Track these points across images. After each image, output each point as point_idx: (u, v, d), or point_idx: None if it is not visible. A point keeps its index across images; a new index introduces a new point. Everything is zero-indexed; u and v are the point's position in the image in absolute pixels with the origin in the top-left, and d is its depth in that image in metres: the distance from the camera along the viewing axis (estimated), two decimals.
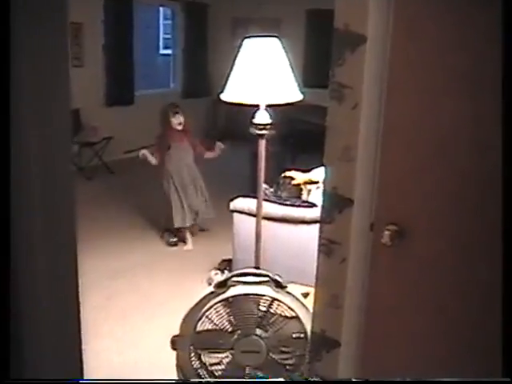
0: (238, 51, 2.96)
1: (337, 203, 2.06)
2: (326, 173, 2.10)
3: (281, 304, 2.48)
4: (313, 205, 3.80)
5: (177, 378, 2.67)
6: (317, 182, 4.07)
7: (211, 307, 2.49)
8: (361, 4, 1.88)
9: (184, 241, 5.37)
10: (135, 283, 4.54)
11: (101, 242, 5.24)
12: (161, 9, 14.80)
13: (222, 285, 2.53)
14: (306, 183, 4.22)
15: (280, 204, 3.90)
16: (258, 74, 2.85)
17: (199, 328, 2.51)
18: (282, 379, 2.53)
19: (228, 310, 2.50)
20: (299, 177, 4.35)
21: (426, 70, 1.84)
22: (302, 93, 3.00)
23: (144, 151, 5.13)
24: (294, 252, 3.74)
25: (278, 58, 2.90)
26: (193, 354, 2.56)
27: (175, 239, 5.41)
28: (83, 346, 1.99)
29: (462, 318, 1.88)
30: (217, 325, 2.51)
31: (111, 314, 3.97)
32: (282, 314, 2.49)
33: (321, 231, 2.14)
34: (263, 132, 2.98)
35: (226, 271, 4.38)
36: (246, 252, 3.53)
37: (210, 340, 2.53)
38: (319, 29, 8.31)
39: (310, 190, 4.17)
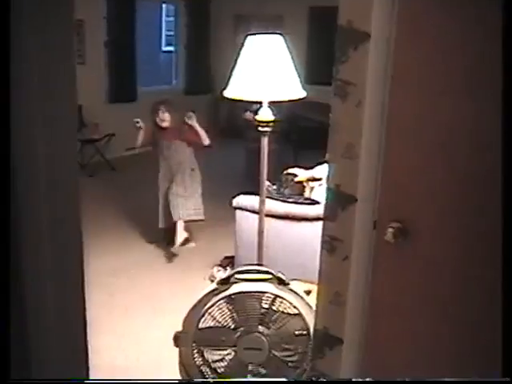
0: (241, 48, 2.95)
1: (340, 200, 2.05)
2: (329, 170, 2.10)
3: (283, 301, 2.48)
4: (315, 202, 3.79)
5: (179, 375, 2.67)
6: (319, 179, 4.07)
7: (214, 304, 2.49)
8: (364, 1, 1.87)
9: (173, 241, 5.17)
10: (137, 280, 4.54)
11: (102, 238, 5.25)
12: (163, 6, 14.80)
13: (225, 282, 2.54)
14: (308, 180, 4.22)
15: (283, 201, 3.90)
16: (261, 70, 2.84)
17: (202, 325, 2.51)
18: (282, 379, 2.53)
19: (230, 307, 2.50)
20: (302, 174, 4.35)
21: (430, 68, 1.83)
22: (305, 90, 3.00)
23: (140, 124, 5.05)
24: (296, 249, 3.74)
25: (281, 55, 2.90)
26: (195, 351, 2.56)
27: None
28: None
29: (462, 316, 1.88)
30: (219, 322, 2.51)
31: (113, 311, 3.98)
32: (285, 311, 2.49)
33: (324, 228, 2.14)
34: (266, 129, 2.97)
35: (228, 268, 4.38)
36: (249, 249, 3.53)
37: (212, 337, 2.53)
38: (322, 26, 8.32)
39: (312, 187, 4.17)
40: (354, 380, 2.17)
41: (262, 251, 3.18)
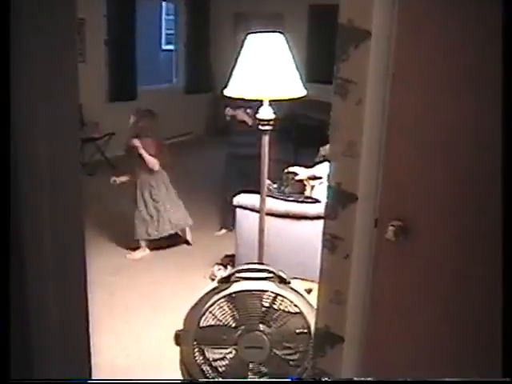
0: (241, 46, 2.95)
1: (341, 199, 2.05)
2: (330, 168, 2.10)
3: (284, 300, 2.48)
4: (316, 200, 3.79)
5: (180, 374, 2.67)
6: (320, 178, 4.07)
7: (215, 303, 2.49)
8: None
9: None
10: (138, 279, 4.54)
11: (103, 237, 5.24)
12: (163, 4, 14.79)
13: (226, 280, 2.53)
14: (309, 179, 4.22)
15: (283, 200, 3.90)
16: (262, 69, 2.84)
17: (203, 324, 2.51)
18: (284, 379, 2.53)
19: (231, 306, 2.50)
20: (302, 172, 4.35)
21: (430, 66, 1.83)
22: (306, 88, 2.99)
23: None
24: (297, 248, 3.74)
25: (282, 53, 2.90)
26: (196, 350, 2.56)
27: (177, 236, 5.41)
28: None
29: (463, 315, 1.88)
30: (220, 320, 2.51)
31: (114, 311, 3.98)
32: (286, 309, 2.49)
33: (325, 227, 2.14)
34: (266, 127, 2.97)
35: (229, 267, 4.38)
36: (249, 247, 3.53)
37: (213, 336, 2.53)
38: (322, 24, 8.31)
39: (313, 186, 4.17)
40: (355, 379, 2.17)
41: (263, 250, 3.18)
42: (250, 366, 2.54)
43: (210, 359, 2.58)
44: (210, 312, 2.50)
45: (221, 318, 2.51)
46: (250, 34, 2.92)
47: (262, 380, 2.54)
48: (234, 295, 2.48)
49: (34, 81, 1.53)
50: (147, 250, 5.07)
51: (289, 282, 2.53)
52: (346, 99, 1.97)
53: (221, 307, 2.50)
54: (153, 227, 4.98)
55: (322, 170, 4.00)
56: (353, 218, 2.05)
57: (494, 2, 1.62)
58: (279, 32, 2.94)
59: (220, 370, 2.57)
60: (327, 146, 4.77)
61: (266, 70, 2.83)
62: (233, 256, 4.39)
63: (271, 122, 2.96)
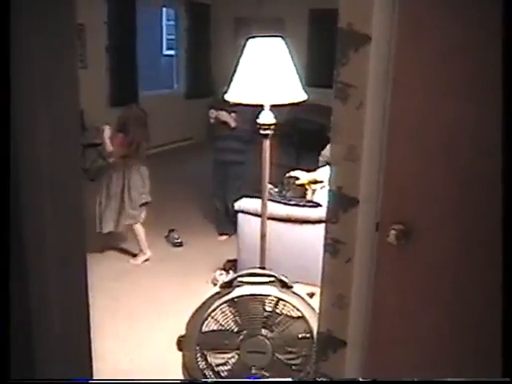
0: (242, 51, 2.96)
1: (342, 203, 2.05)
2: (331, 172, 2.10)
3: (286, 304, 2.48)
4: (317, 204, 3.80)
5: (183, 379, 2.67)
6: (321, 182, 4.07)
7: (217, 308, 2.49)
8: (365, 3, 1.87)
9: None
10: (140, 284, 4.55)
11: (105, 242, 5.25)
12: (164, 10, 14.82)
13: (228, 285, 2.54)
14: (310, 183, 4.22)
15: (285, 204, 3.91)
16: (262, 74, 2.84)
17: (205, 328, 2.51)
18: (286, 379, 2.53)
19: (234, 311, 2.50)
20: (304, 176, 4.35)
21: (431, 70, 1.84)
22: (306, 92, 3.00)
23: None
24: (299, 252, 3.74)
25: (282, 57, 2.90)
26: (199, 355, 2.56)
27: (180, 240, 5.42)
28: None
29: (464, 317, 1.88)
30: (222, 325, 2.51)
31: (117, 316, 3.98)
32: (288, 314, 2.49)
33: (326, 231, 2.14)
34: (267, 132, 2.98)
35: (231, 271, 4.38)
36: (251, 252, 3.53)
37: (215, 340, 2.53)
38: (322, 28, 8.33)
39: (314, 190, 4.17)
40: (360, 380, 2.17)
41: (265, 254, 3.18)
42: (253, 370, 2.54)
43: (213, 364, 2.58)
44: (213, 317, 2.50)
45: (223, 323, 2.51)
46: (250, 38, 2.93)
47: (261, 380, 2.53)
48: (236, 300, 2.48)
49: (33, 81, 1.53)
50: (148, 253, 5.06)
51: (291, 287, 2.53)
52: (346, 103, 1.98)
53: (223, 312, 2.50)
54: (99, 221, 4.91)
55: (324, 173, 4.00)
56: (354, 221, 2.05)
57: (494, 6, 1.62)
58: (279, 36, 2.95)
59: (222, 374, 2.57)
60: (326, 152, 4.79)
61: (266, 75, 2.84)
62: (235, 261, 4.39)
63: (272, 127, 2.97)
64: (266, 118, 2.96)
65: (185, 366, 2.63)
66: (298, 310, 2.48)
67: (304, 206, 3.88)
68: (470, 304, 1.85)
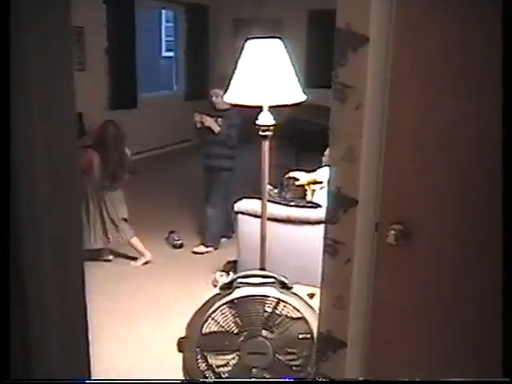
0: (241, 53, 2.96)
1: (341, 203, 2.06)
2: (330, 173, 2.10)
3: (286, 305, 2.48)
4: (317, 205, 3.79)
5: (183, 379, 2.67)
6: (321, 183, 4.07)
7: (217, 309, 2.49)
8: (363, 4, 1.87)
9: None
10: (140, 286, 4.54)
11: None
12: (163, 11, 14.82)
13: (228, 286, 2.53)
14: (310, 184, 4.22)
15: (284, 205, 3.90)
16: (261, 75, 2.84)
17: (205, 330, 2.51)
18: (286, 379, 2.53)
19: (234, 312, 2.50)
20: (303, 177, 4.35)
21: (430, 69, 1.84)
22: (305, 93, 3.00)
23: None
24: (298, 253, 3.74)
25: (281, 58, 2.90)
26: (199, 356, 2.56)
27: (180, 241, 5.41)
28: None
29: (464, 317, 1.88)
30: (223, 326, 2.51)
31: (117, 318, 3.98)
32: (288, 314, 2.49)
33: (325, 231, 2.14)
34: (266, 133, 2.97)
35: (231, 273, 4.38)
36: (251, 253, 3.53)
37: (216, 342, 2.53)
38: (321, 29, 8.34)
39: (314, 191, 4.17)
40: (361, 380, 2.17)
41: (265, 255, 3.18)
42: (253, 371, 2.54)
43: (213, 365, 2.57)
44: (213, 318, 2.50)
45: (223, 324, 2.51)
46: (249, 39, 2.93)
47: (261, 380, 2.53)
48: (236, 301, 2.48)
49: (32, 81, 1.53)
50: (148, 256, 5.05)
51: (291, 287, 2.53)
52: (345, 104, 1.98)
53: (223, 313, 2.50)
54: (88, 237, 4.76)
55: (323, 174, 4.00)
56: (353, 222, 2.05)
57: (493, 4, 1.62)
58: (278, 37, 2.95)
59: (223, 376, 2.57)
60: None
61: (265, 76, 2.84)
62: (235, 262, 4.39)
63: (271, 128, 2.97)
64: (265, 119, 2.96)
65: (185, 368, 2.63)
66: (298, 310, 2.48)
67: (304, 206, 3.87)
68: (469, 304, 1.85)
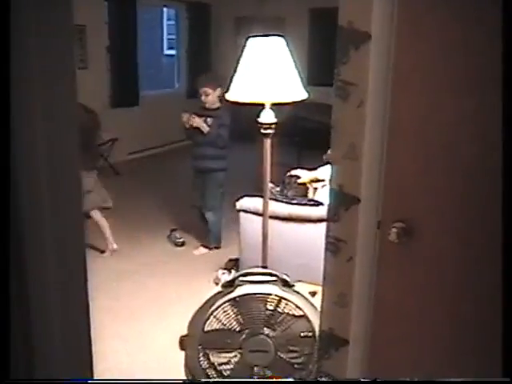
0: (243, 51, 2.96)
1: (343, 201, 2.05)
2: (332, 171, 2.10)
3: (288, 303, 2.48)
4: (319, 203, 3.79)
5: (185, 379, 2.67)
6: (323, 181, 4.07)
7: (219, 307, 2.49)
8: (365, 1, 1.87)
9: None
10: (142, 284, 4.55)
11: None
12: (164, 9, 14.82)
13: (230, 284, 2.53)
14: (312, 182, 4.22)
15: (286, 203, 3.90)
16: (263, 73, 2.85)
17: (207, 328, 2.51)
18: (288, 379, 2.53)
19: (236, 310, 2.50)
20: (305, 175, 4.35)
21: (431, 67, 1.83)
22: (307, 91, 3.00)
23: None
24: (300, 251, 3.74)
25: (283, 56, 2.90)
26: (201, 354, 2.56)
27: (182, 239, 5.41)
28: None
29: (465, 316, 1.87)
30: (225, 324, 2.51)
31: (119, 316, 3.98)
32: (290, 312, 2.49)
33: (327, 229, 2.14)
34: (268, 131, 2.98)
35: (232, 271, 4.38)
36: (253, 251, 3.54)
37: (218, 340, 2.53)
38: (323, 27, 8.33)
39: (316, 189, 4.17)
40: (362, 380, 2.17)
41: (267, 253, 3.18)
42: (255, 369, 2.54)
43: (215, 363, 2.58)
44: (215, 316, 2.50)
45: (225, 322, 2.51)
46: (251, 37, 2.93)
47: (261, 380, 2.54)
48: (238, 299, 2.48)
49: (32, 80, 1.53)
50: (114, 246, 5.07)
51: (293, 285, 2.53)
52: (346, 102, 1.97)
53: (225, 311, 2.50)
54: None
55: (325, 172, 4.00)
56: (355, 220, 2.05)
57: (494, 4, 1.62)
58: (280, 35, 2.95)
59: (225, 373, 2.57)
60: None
61: (267, 74, 2.84)
62: (237, 260, 4.39)
63: (273, 126, 2.97)
64: (267, 116, 2.96)
65: (187, 366, 2.64)
66: (299, 308, 2.48)
67: (305, 204, 3.87)
68: (470, 303, 1.85)
